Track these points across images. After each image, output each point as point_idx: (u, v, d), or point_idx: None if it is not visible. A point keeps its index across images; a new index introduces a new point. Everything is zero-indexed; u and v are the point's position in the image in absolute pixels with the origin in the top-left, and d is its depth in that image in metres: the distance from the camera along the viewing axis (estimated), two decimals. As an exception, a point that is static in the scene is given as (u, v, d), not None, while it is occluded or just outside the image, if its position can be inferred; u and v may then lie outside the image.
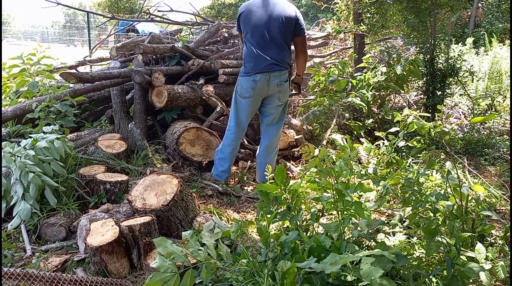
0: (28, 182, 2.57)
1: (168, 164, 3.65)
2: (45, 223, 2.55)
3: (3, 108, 3.72)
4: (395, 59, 4.64)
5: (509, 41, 8.96)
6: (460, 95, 6.20)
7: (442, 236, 1.79)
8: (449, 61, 4.97)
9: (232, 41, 5.49)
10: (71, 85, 4.07)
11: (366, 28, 5.31)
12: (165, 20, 5.86)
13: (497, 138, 4.61)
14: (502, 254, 2.02)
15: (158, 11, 5.68)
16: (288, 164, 3.87)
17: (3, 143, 2.79)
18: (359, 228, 1.96)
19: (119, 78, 4.08)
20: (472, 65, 5.73)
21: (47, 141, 2.75)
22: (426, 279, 1.73)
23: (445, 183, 2.13)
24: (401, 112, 2.40)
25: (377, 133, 2.91)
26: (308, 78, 5.45)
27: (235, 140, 3.37)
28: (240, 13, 3.22)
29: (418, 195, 2.06)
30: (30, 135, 3.01)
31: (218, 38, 5.30)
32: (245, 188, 3.48)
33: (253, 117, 3.63)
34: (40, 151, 2.72)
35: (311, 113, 4.55)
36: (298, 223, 2.06)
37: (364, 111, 4.34)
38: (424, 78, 4.97)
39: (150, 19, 5.72)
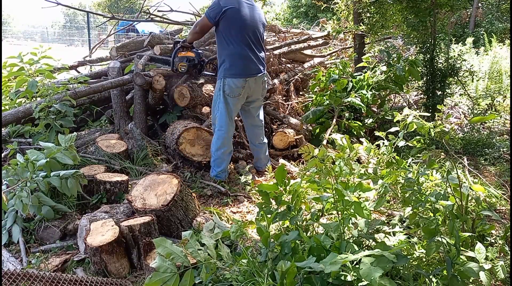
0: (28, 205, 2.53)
1: (168, 164, 3.65)
2: (41, 227, 2.55)
3: (5, 112, 3.71)
4: (395, 59, 4.64)
5: (509, 41, 8.96)
6: (460, 95, 6.21)
7: (442, 236, 1.79)
8: (449, 61, 4.97)
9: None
10: (72, 86, 4.06)
11: (366, 28, 5.31)
12: (165, 20, 5.85)
13: (497, 138, 4.61)
14: (502, 254, 2.02)
15: (158, 11, 5.67)
16: (288, 164, 3.87)
17: (18, 157, 2.74)
18: (359, 228, 1.96)
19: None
20: (472, 65, 5.73)
21: (61, 177, 2.62)
22: (426, 279, 1.73)
23: (445, 183, 2.13)
24: (401, 112, 2.40)
25: (377, 133, 2.91)
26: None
27: (229, 138, 3.43)
28: (224, 8, 3.14)
29: (418, 195, 2.06)
30: (38, 143, 2.88)
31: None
32: (247, 187, 3.48)
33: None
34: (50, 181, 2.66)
35: (311, 113, 4.55)
36: (298, 223, 2.06)
37: (363, 111, 4.35)
38: (424, 78, 4.97)
39: (150, 19, 5.72)
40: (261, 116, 3.68)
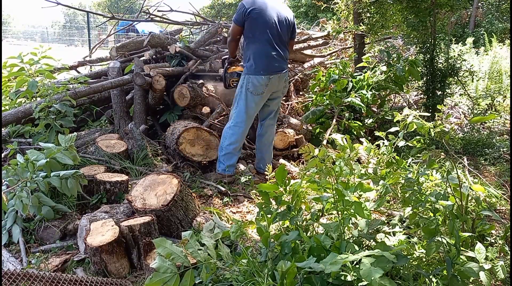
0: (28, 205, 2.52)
1: (168, 164, 3.65)
2: (41, 227, 2.55)
3: (5, 112, 3.71)
4: (395, 59, 4.64)
5: (509, 41, 8.96)
6: (460, 95, 6.21)
7: (442, 236, 1.79)
8: (449, 61, 4.97)
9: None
10: (72, 86, 4.06)
11: (366, 28, 5.31)
12: (165, 20, 5.85)
13: (497, 138, 4.61)
14: (502, 254, 2.02)
15: (158, 11, 5.67)
16: (288, 164, 3.87)
17: (18, 157, 2.74)
18: (359, 228, 1.96)
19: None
20: (472, 65, 5.73)
21: (61, 178, 2.62)
22: (426, 279, 1.73)
23: (445, 183, 2.13)
24: (401, 112, 2.40)
25: (377, 133, 2.91)
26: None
27: (243, 135, 3.49)
28: (248, 9, 3.24)
29: (418, 195, 2.06)
30: (38, 144, 2.87)
31: (218, 38, 5.29)
32: (247, 187, 3.48)
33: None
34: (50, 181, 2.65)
35: (311, 113, 4.55)
36: (298, 223, 2.06)
37: (363, 111, 4.35)
38: (424, 78, 4.97)
39: (150, 19, 5.71)
40: (276, 117, 3.74)
